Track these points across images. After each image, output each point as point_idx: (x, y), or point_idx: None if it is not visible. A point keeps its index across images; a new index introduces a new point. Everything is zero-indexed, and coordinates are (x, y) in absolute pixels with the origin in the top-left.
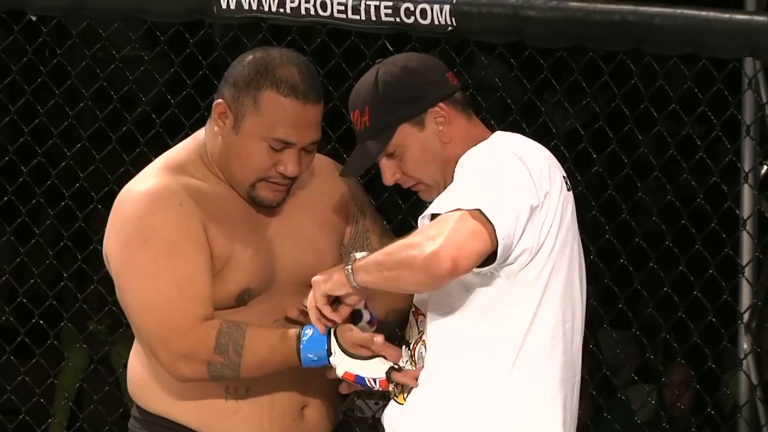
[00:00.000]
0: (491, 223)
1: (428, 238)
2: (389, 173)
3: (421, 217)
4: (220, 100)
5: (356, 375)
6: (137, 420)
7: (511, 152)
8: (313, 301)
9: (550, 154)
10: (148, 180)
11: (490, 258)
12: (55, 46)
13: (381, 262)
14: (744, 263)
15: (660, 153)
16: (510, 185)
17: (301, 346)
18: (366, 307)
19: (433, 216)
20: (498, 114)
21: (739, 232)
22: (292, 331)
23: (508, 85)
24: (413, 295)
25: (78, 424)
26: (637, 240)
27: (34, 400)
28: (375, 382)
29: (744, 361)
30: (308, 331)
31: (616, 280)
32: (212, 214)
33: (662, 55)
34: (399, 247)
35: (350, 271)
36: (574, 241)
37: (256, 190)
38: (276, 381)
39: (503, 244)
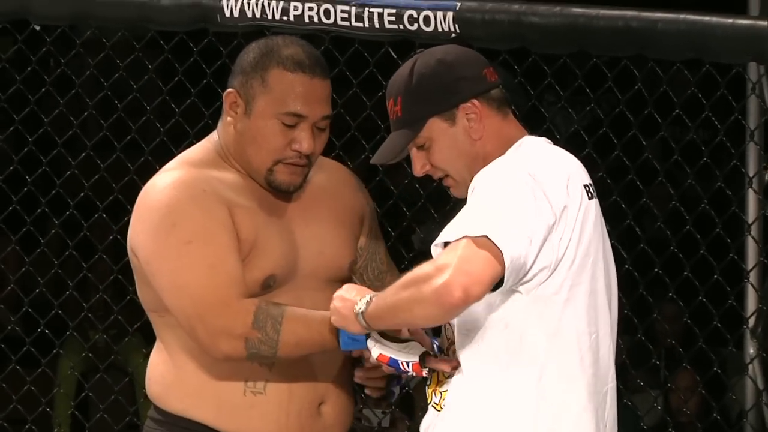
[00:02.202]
0: (499, 248)
1: (437, 269)
2: (418, 164)
3: (433, 245)
4: (230, 90)
5: (390, 357)
6: (154, 420)
7: (524, 171)
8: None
9: (574, 162)
10: (171, 173)
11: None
12: (59, 56)
13: (394, 305)
14: (749, 268)
15: (664, 158)
16: (521, 207)
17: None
18: None
19: (445, 244)
20: None
21: (744, 236)
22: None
23: (511, 91)
24: None
25: None
26: (641, 245)
27: (40, 409)
28: (408, 365)
29: (750, 366)
30: None
31: (621, 286)
32: (235, 201)
33: (666, 60)
34: (408, 281)
35: (362, 319)
36: (598, 251)
37: (274, 174)
38: (294, 376)
39: (511, 268)
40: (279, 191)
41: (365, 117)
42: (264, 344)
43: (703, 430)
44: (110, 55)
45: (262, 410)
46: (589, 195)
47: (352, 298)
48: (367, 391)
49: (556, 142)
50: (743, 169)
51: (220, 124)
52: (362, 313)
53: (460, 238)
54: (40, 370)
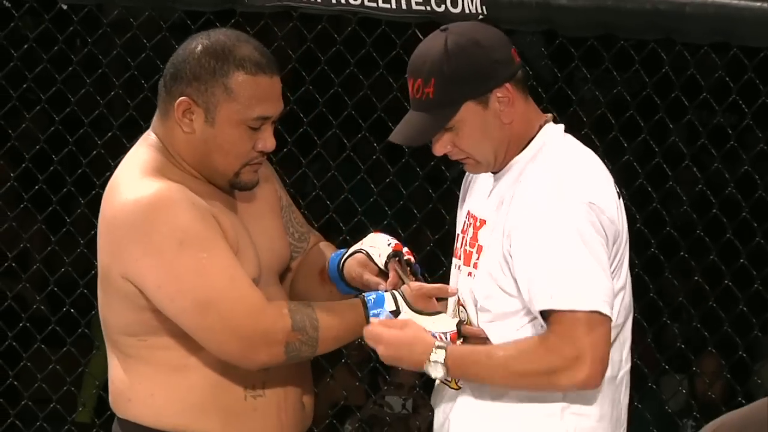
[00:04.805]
0: (609, 316)
1: (568, 361)
2: (441, 145)
3: (537, 305)
4: (183, 98)
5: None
6: None
7: (583, 201)
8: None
9: (603, 167)
10: (146, 188)
11: None
12: (86, 36)
13: (495, 368)
14: None
15: (691, 142)
16: (599, 254)
17: (370, 312)
18: (415, 260)
19: (544, 311)
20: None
21: None
22: (355, 300)
23: (540, 70)
24: None
25: (108, 412)
26: (668, 229)
27: (65, 389)
28: (446, 336)
29: None
30: (371, 296)
31: (647, 269)
32: (210, 208)
33: (693, 44)
34: (526, 370)
35: (442, 365)
36: (627, 241)
37: (239, 177)
38: (286, 373)
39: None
40: (242, 190)
41: (392, 98)
42: (305, 344)
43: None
44: (137, 35)
45: (264, 412)
46: (619, 194)
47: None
48: None
49: (582, 125)
50: None
51: (162, 129)
52: (445, 352)
53: (571, 311)
54: (65, 349)
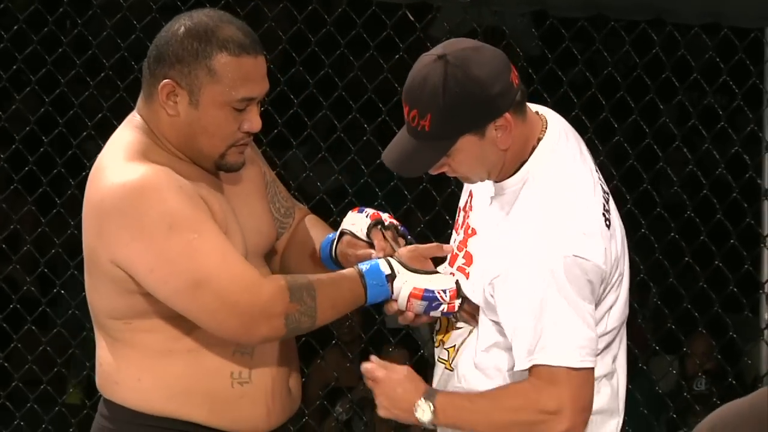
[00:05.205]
0: (591, 367)
1: (549, 414)
2: (437, 170)
3: (519, 358)
4: (166, 81)
5: (425, 289)
6: (125, 423)
7: (567, 254)
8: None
9: (591, 182)
10: (133, 172)
11: None
12: (76, 17)
13: (479, 415)
14: (766, 233)
15: (681, 123)
16: (581, 306)
17: (366, 278)
18: (401, 223)
19: (531, 366)
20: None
21: (761, 201)
22: (351, 269)
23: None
24: None
25: (99, 394)
26: (658, 210)
27: (55, 370)
28: (446, 294)
29: (765, 331)
30: (365, 265)
31: (637, 250)
32: (198, 190)
33: (684, 24)
34: (505, 411)
35: (429, 409)
36: (624, 240)
37: (225, 158)
38: (273, 359)
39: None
40: (228, 172)
41: (382, 80)
42: (304, 315)
43: (718, 396)
44: (127, 16)
45: (251, 398)
46: (605, 192)
47: (409, 391)
48: None
49: (572, 106)
50: (760, 134)
51: (146, 111)
52: (432, 402)
53: (555, 366)
54: (55, 330)
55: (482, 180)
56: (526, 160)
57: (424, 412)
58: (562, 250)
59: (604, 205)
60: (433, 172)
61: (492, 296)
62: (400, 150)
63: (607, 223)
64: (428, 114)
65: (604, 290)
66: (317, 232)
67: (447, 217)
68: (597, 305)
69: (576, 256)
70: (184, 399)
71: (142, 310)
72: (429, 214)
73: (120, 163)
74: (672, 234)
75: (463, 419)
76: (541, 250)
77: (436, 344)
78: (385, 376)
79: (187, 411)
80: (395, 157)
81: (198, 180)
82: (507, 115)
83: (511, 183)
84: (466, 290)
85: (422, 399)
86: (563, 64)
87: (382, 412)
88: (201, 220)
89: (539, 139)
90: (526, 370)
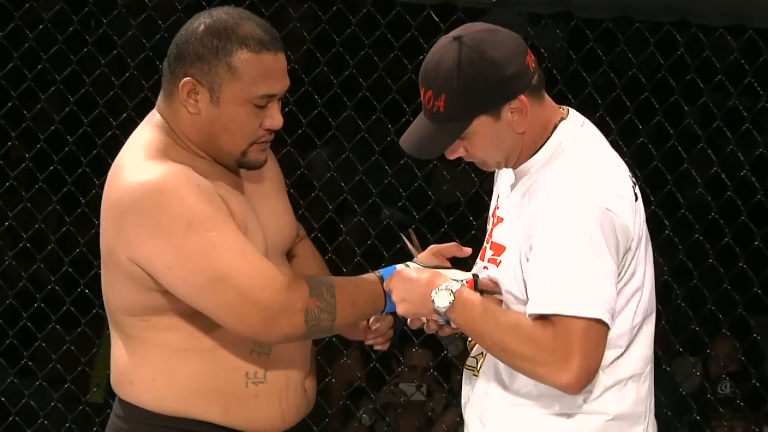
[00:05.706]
0: (606, 323)
1: (556, 360)
2: (453, 152)
3: (529, 309)
4: (187, 79)
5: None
6: (139, 423)
7: (598, 205)
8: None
9: (619, 165)
10: (152, 171)
11: None
12: (101, 16)
13: (500, 346)
14: None
15: (706, 124)
16: (609, 261)
17: (384, 276)
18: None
19: (540, 315)
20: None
21: None
22: (370, 273)
23: (555, 55)
24: None
25: None
26: (682, 211)
27: (78, 369)
28: (462, 284)
29: None
30: (384, 270)
31: (661, 252)
32: (217, 189)
33: (709, 26)
34: (517, 338)
35: (449, 298)
36: (647, 239)
37: (247, 156)
38: (289, 359)
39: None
40: (250, 169)
41: (406, 80)
42: (324, 312)
43: (741, 397)
44: (151, 16)
45: (266, 398)
46: (634, 183)
47: (425, 281)
48: (377, 347)
49: (597, 108)
50: None
51: (167, 109)
52: (454, 292)
53: (567, 316)
54: (79, 330)
55: (499, 166)
56: (545, 143)
57: (442, 299)
58: (596, 201)
59: (633, 184)
60: (450, 156)
61: (528, 255)
62: (416, 133)
63: (636, 198)
64: (443, 95)
65: (628, 262)
66: (315, 264)
67: (471, 218)
68: (620, 277)
69: (609, 209)
70: (199, 398)
71: (159, 307)
72: (453, 215)
73: (139, 162)
74: (696, 235)
75: (476, 324)
76: (573, 202)
77: (470, 348)
78: (406, 275)
79: (202, 411)
80: (411, 139)
81: (218, 178)
82: (522, 97)
83: (535, 160)
84: (500, 278)
85: (444, 286)
86: (587, 66)
87: (400, 308)
88: (219, 218)
89: (560, 119)
90: (547, 319)
